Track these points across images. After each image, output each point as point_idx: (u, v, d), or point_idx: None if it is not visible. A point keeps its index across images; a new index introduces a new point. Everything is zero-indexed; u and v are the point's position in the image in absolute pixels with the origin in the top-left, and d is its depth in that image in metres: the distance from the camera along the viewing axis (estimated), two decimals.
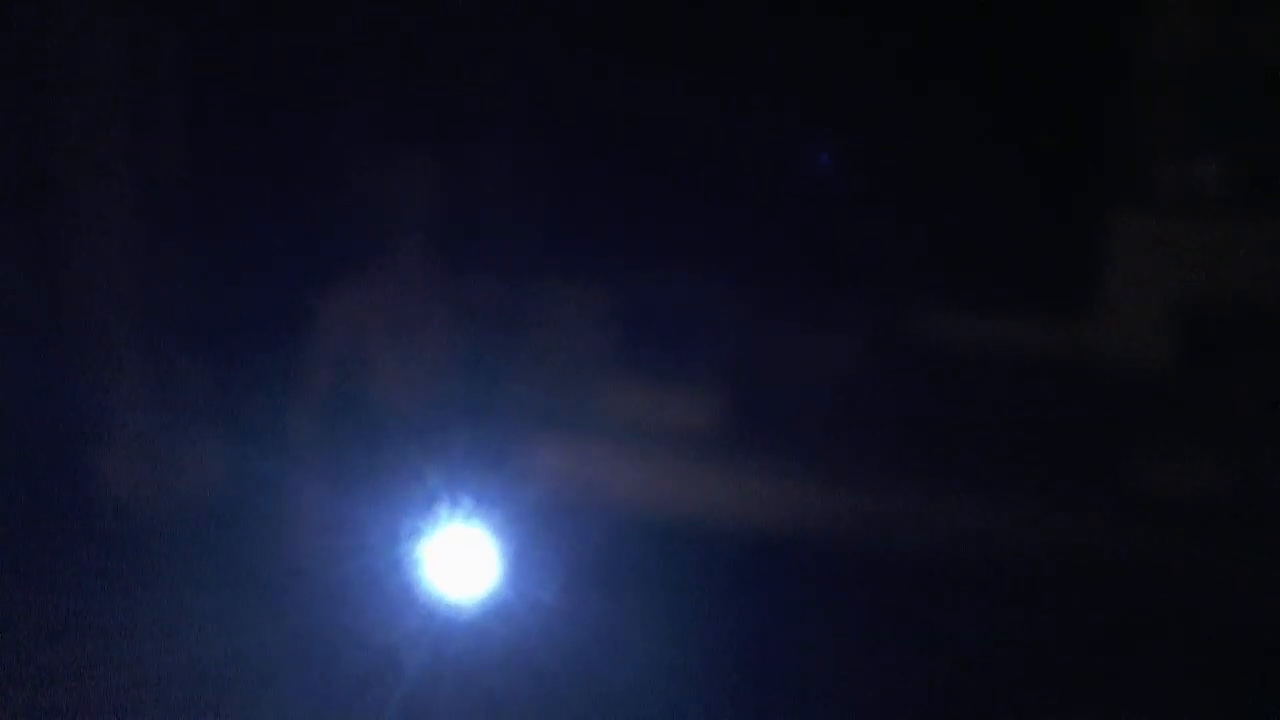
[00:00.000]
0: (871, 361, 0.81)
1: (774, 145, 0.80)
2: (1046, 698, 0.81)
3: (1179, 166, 0.78)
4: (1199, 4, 0.77)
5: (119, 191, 0.84)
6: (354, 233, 0.83)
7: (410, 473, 0.83)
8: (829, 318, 0.82)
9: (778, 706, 0.84)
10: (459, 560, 0.83)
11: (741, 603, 0.83)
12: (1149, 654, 0.80)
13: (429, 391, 0.84)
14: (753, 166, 0.80)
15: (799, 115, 0.80)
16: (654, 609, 0.83)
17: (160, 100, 0.84)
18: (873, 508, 0.82)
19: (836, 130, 0.80)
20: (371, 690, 0.82)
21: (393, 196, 0.83)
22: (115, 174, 0.84)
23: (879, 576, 0.82)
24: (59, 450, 0.85)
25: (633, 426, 0.83)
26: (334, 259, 0.84)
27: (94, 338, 0.84)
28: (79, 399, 0.84)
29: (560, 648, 0.82)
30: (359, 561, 0.83)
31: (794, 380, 0.82)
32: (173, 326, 0.85)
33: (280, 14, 0.81)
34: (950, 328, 0.81)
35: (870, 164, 0.79)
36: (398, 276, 0.84)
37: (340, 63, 0.82)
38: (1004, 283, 0.80)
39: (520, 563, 0.83)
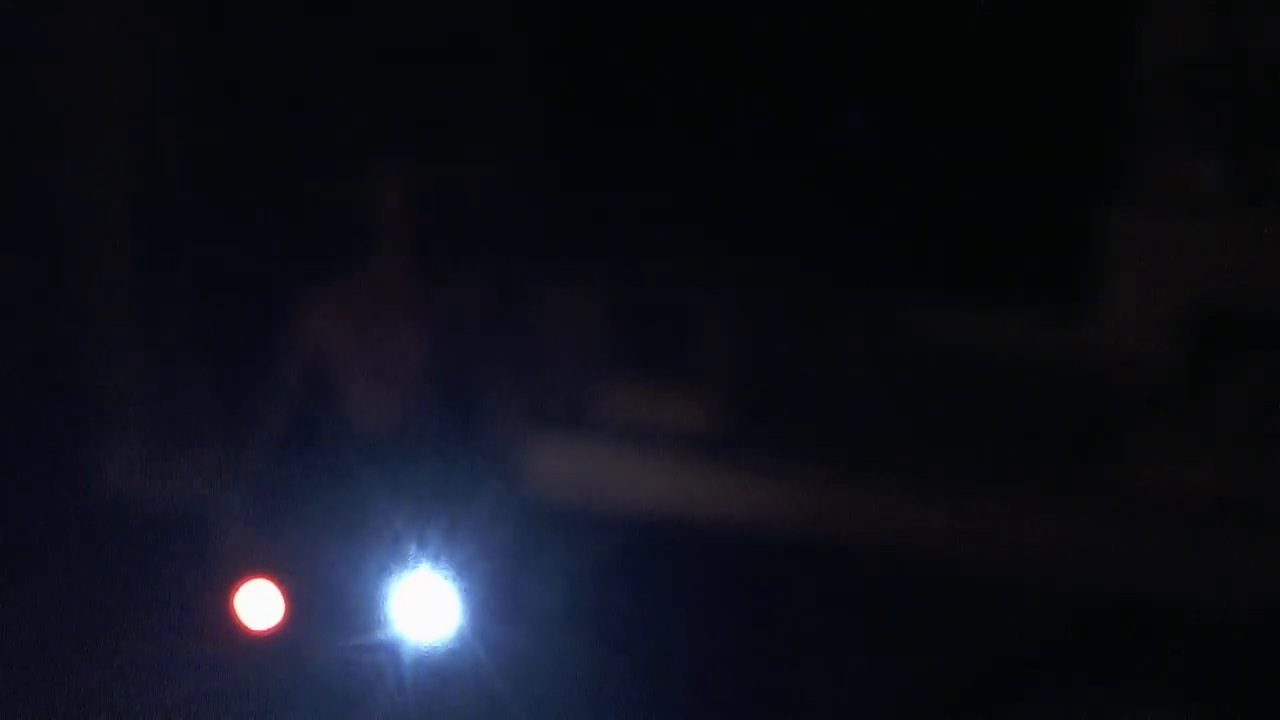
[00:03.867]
0: (872, 361, 0.81)
1: (775, 144, 0.80)
2: (1047, 697, 0.82)
3: (1179, 166, 0.78)
4: (1199, 4, 0.77)
5: (119, 190, 0.84)
6: (354, 231, 0.84)
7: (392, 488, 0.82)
8: (829, 317, 0.82)
9: (777, 707, 0.84)
10: (427, 599, 0.82)
11: (741, 607, 0.84)
12: (1147, 653, 0.80)
13: (418, 395, 0.84)
14: (754, 165, 0.80)
15: (800, 114, 0.80)
16: (652, 621, 0.83)
17: (159, 100, 0.84)
18: (873, 507, 0.82)
19: (836, 130, 0.80)
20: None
21: (396, 191, 0.83)
22: (114, 173, 0.84)
23: (879, 575, 0.82)
24: (58, 450, 0.85)
25: (632, 430, 0.84)
26: (324, 263, 0.84)
27: (90, 342, 0.85)
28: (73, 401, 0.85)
29: (529, 686, 0.82)
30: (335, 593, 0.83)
31: (795, 380, 0.83)
32: (168, 331, 0.85)
33: (269, 13, 0.81)
34: (950, 328, 0.81)
35: (870, 164, 0.79)
36: (397, 272, 0.84)
37: (330, 63, 0.82)
38: (1004, 283, 0.80)
39: (490, 601, 0.82)
